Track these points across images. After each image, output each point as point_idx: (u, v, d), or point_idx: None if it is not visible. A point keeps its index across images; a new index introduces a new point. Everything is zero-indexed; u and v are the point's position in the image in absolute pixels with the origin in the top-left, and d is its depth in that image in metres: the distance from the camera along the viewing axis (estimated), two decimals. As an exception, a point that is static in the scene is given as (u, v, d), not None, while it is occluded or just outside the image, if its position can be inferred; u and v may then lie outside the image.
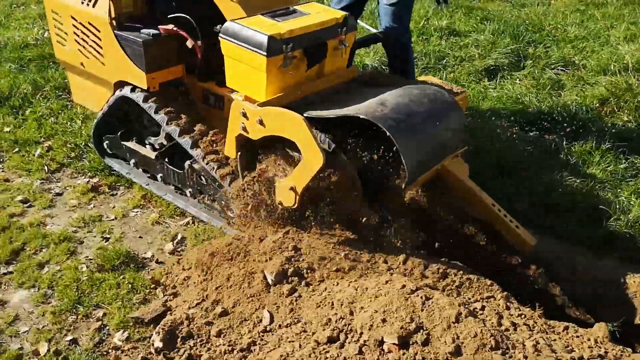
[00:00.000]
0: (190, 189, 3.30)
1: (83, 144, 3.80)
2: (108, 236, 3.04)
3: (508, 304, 2.37)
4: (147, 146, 3.48)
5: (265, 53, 2.69)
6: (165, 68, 3.24)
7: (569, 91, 4.66)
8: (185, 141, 3.14)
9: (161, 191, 3.42)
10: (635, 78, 4.65)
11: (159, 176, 3.42)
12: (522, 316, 2.30)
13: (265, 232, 2.78)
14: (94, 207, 3.28)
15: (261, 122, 2.67)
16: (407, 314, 2.11)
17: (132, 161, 3.55)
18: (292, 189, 2.68)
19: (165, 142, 3.37)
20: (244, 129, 2.76)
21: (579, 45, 5.47)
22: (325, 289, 2.41)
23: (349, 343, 2.12)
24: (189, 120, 3.22)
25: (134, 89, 3.28)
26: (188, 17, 3.22)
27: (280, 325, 2.33)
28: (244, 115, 2.73)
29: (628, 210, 3.29)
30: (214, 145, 3.16)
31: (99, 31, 3.29)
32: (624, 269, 2.83)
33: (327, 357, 2.06)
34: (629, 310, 2.73)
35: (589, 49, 5.41)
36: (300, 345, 2.17)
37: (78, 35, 3.40)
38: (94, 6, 3.26)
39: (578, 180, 3.56)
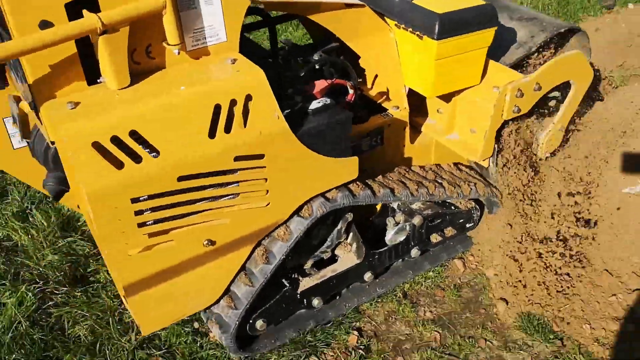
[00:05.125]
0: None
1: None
2: None
3: None
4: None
5: (496, 24, 2.30)
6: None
7: None
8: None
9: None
10: None
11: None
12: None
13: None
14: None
15: (539, 87, 2.39)
16: None
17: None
18: (561, 129, 2.63)
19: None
20: (518, 110, 2.38)
21: None
22: None
23: None
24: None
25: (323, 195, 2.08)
26: (341, 59, 2.17)
27: None
28: (520, 94, 2.34)
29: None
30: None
31: (260, 157, 1.81)
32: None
33: None
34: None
35: None
36: None
37: (207, 199, 1.75)
38: (245, 125, 1.72)
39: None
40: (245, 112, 1.75)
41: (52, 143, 1.71)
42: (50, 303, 2.37)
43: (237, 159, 1.78)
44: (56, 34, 1.49)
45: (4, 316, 2.29)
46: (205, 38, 1.79)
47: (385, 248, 2.43)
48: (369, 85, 2.57)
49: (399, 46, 2.36)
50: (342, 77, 2.33)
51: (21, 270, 2.52)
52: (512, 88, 2.33)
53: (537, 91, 2.40)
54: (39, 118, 1.68)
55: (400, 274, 2.53)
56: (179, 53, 1.74)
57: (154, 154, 1.64)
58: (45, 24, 1.52)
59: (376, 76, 2.53)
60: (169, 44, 1.71)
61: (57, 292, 2.42)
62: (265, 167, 1.85)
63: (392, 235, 2.50)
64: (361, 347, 2.29)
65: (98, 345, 2.20)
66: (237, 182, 1.82)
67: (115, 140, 1.58)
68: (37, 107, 1.64)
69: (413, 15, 2.23)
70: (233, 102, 1.72)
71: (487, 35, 2.30)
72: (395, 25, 2.31)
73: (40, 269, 2.52)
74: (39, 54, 1.53)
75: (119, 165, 1.60)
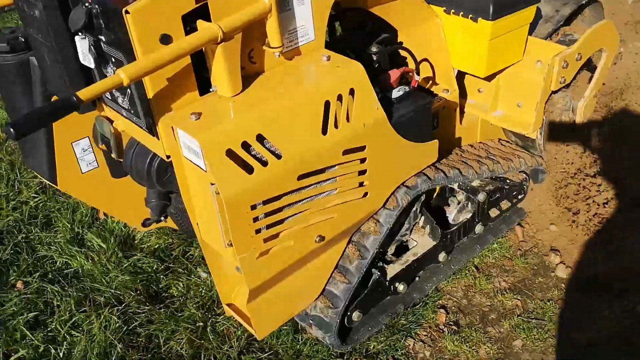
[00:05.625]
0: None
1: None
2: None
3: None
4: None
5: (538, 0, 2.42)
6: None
7: None
8: None
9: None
10: None
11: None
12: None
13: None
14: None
15: (580, 57, 2.52)
16: None
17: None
18: (595, 95, 2.79)
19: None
20: (563, 80, 2.51)
21: None
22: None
23: None
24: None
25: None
26: (403, 45, 2.24)
27: None
28: (566, 65, 2.46)
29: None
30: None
31: (362, 149, 1.86)
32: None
33: None
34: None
35: None
36: None
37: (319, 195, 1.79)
38: (349, 119, 1.77)
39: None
40: (349, 106, 1.80)
41: (168, 157, 1.71)
42: (135, 323, 2.35)
43: (344, 152, 1.82)
44: (183, 46, 1.50)
45: (95, 343, 2.25)
46: (297, 38, 1.83)
47: (455, 227, 2.51)
48: (416, 72, 2.65)
49: (446, 31, 2.44)
50: (393, 66, 2.40)
51: (93, 294, 2.48)
52: (559, 60, 2.45)
53: (578, 61, 2.54)
54: (153, 133, 1.68)
55: (469, 249, 2.62)
56: (279, 55, 1.77)
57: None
58: (165, 38, 1.53)
59: (422, 61, 2.61)
60: (271, 47, 1.74)
61: (139, 311, 2.39)
62: (366, 158, 1.90)
63: (455, 215, 2.59)
64: (450, 323, 2.37)
65: (202, 356, 2.20)
66: (343, 175, 1.87)
67: (245, 145, 1.60)
68: (155, 122, 1.64)
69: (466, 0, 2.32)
70: (339, 97, 1.76)
71: (530, 12, 2.41)
72: (444, 11, 2.40)
73: (112, 290, 2.49)
74: (159, 68, 1.54)
75: (250, 170, 1.62)
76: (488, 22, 2.27)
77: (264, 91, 1.71)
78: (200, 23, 1.56)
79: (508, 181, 2.72)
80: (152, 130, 1.68)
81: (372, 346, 2.27)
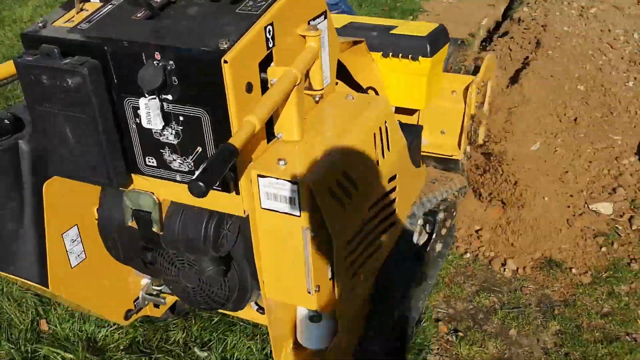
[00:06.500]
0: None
1: None
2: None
3: None
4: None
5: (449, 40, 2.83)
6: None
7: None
8: None
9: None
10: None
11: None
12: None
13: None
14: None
15: (485, 84, 2.97)
16: None
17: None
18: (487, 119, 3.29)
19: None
20: (478, 105, 2.92)
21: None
22: None
23: None
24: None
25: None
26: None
27: None
28: (479, 91, 2.88)
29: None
30: None
31: (395, 177, 1.95)
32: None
33: None
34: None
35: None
36: None
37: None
38: (389, 148, 1.85)
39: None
40: (387, 137, 1.92)
41: (244, 212, 1.62)
42: None
43: (389, 180, 1.93)
44: (283, 88, 1.49)
45: None
46: (322, 81, 1.90)
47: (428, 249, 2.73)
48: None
49: (383, 73, 2.70)
50: None
51: (86, 412, 2.11)
52: (475, 87, 2.88)
53: (484, 87, 3.01)
54: (230, 190, 1.58)
55: (436, 265, 2.85)
56: (320, 98, 1.83)
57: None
58: (249, 86, 1.50)
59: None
60: (314, 90, 1.78)
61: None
62: (396, 186, 2.03)
63: (417, 238, 2.80)
64: (452, 331, 2.55)
65: None
66: (387, 203, 1.96)
67: (338, 183, 1.61)
68: (237, 177, 1.56)
69: (402, 43, 2.62)
70: (380, 129, 1.87)
71: (446, 50, 2.81)
72: (382, 55, 2.66)
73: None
74: (244, 118, 1.50)
75: (344, 206, 1.63)
76: (428, 59, 2.60)
77: (325, 132, 1.74)
78: (274, 69, 1.57)
79: (449, 200, 3.03)
80: (228, 187, 1.59)
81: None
